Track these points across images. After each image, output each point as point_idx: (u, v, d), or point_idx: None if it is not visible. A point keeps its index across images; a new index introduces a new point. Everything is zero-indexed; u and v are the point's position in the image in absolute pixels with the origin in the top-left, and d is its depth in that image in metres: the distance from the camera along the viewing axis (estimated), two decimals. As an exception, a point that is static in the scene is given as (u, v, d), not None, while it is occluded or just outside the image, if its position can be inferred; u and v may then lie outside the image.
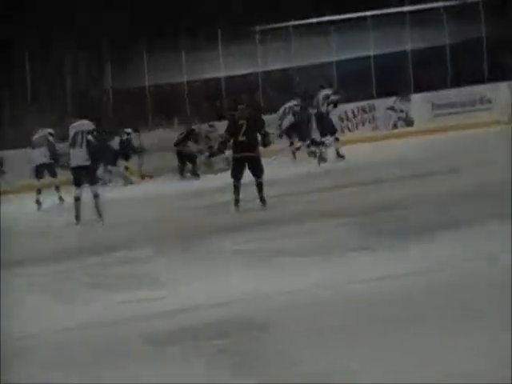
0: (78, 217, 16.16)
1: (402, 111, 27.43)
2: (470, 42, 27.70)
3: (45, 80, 26.73)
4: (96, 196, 16.19)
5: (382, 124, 27.68)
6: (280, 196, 16.28)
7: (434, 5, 27.88)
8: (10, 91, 26.71)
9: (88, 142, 16.18)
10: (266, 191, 15.50)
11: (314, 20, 27.51)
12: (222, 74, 27.34)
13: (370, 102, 27.60)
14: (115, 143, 23.62)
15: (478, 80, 27.51)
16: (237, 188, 15.34)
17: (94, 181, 16.60)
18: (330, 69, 27.89)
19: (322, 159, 21.95)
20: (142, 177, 24.32)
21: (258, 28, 27.70)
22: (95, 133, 16.44)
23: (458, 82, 27.80)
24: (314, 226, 12.45)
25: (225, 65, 27.40)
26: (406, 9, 27.89)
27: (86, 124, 16.46)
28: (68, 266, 11.71)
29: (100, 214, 16.10)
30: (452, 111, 26.97)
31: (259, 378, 6.27)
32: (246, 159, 15.37)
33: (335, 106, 22.39)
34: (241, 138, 15.35)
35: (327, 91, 22.55)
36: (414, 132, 26.22)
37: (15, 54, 26.15)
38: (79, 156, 16.17)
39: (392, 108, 27.59)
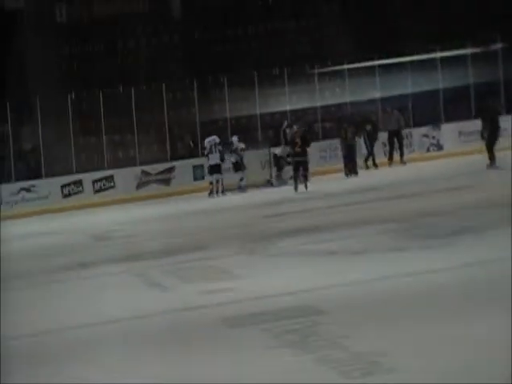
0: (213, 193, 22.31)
1: (433, 138, 27.15)
2: (490, 82, 27.42)
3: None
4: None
5: (417, 148, 27.46)
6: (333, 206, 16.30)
7: (462, 52, 27.56)
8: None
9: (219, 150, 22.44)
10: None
11: (364, 64, 27.36)
12: (287, 107, 27.42)
13: (407, 130, 27.36)
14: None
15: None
16: (297, 176, 20.83)
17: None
18: (374, 104, 27.75)
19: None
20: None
21: (316, 70, 27.64)
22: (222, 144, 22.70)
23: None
24: (358, 231, 12.41)
25: (289, 100, 27.45)
26: (438, 55, 27.63)
27: (216, 139, 22.58)
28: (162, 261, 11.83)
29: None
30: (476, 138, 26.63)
31: (317, 354, 6.26)
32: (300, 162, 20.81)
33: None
34: (297, 149, 20.89)
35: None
36: (443, 155, 25.90)
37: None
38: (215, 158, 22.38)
39: (426, 135, 27.33)
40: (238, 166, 23.15)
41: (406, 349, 6.12)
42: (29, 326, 8.54)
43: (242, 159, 23.27)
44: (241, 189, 22.98)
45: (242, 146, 23.32)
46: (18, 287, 11.17)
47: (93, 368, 6.69)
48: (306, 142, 21.13)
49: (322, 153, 25.92)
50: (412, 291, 7.99)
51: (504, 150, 20.24)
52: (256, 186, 23.29)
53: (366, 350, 6.14)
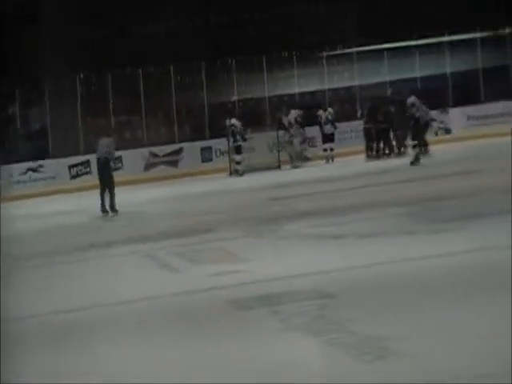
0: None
1: (441, 122, 27.03)
2: (498, 67, 27.36)
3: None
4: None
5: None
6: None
7: (471, 35, 27.44)
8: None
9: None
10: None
11: (372, 47, 27.22)
12: (296, 90, 27.34)
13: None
14: None
15: (506, 96, 27.00)
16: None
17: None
18: (385, 88, 27.62)
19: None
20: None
21: (325, 54, 27.57)
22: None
23: (488, 98, 27.48)
24: (369, 214, 12.36)
25: (298, 83, 27.37)
26: (445, 39, 27.51)
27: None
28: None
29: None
30: (484, 122, 26.55)
31: (325, 337, 6.28)
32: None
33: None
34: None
35: None
36: (452, 139, 25.80)
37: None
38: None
39: (433, 119, 27.23)
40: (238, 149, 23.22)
41: (414, 333, 6.13)
42: (40, 307, 8.57)
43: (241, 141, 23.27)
44: (237, 172, 23.03)
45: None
46: (28, 268, 11.20)
47: (100, 349, 6.72)
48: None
49: (344, 134, 25.74)
50: (420, 275, 7.99)
51: None
52: (263, 168, 23.36)
53: (373, 333, 6.16)
